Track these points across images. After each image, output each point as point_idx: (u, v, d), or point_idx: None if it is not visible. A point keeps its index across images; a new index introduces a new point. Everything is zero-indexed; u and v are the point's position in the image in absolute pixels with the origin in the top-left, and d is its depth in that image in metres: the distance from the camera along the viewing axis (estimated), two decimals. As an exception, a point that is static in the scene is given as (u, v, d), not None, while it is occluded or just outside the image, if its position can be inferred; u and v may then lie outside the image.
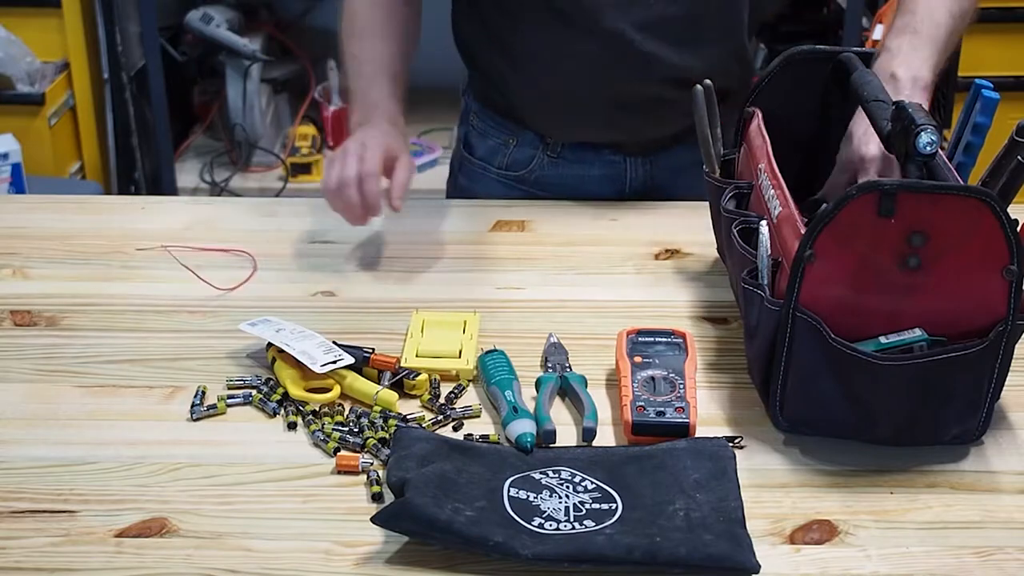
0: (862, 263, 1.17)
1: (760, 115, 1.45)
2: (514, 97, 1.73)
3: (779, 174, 1.33)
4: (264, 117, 3.46)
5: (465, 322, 1.42)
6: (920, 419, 1.21)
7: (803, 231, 1.18)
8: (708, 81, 1.51)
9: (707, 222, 1.57)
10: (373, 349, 1.35)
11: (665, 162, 1.76)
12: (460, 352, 1.37)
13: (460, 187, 1.86)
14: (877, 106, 1.34)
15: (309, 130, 3.52)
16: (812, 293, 1.18)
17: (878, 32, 3.13)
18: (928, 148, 1.23)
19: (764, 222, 1.29)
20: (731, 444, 1.22)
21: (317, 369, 1.28)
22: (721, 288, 1.52)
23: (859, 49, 1.48)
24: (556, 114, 1.72)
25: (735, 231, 1.36)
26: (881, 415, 1.21)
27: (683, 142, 1.72)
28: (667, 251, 1.62)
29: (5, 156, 2.87)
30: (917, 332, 1.18)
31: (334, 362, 1.30)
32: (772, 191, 1.33)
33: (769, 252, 1.27)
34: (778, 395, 1.23)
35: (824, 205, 1.17)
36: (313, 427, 1.25)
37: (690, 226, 1.65)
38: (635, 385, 1.27)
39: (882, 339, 1.19)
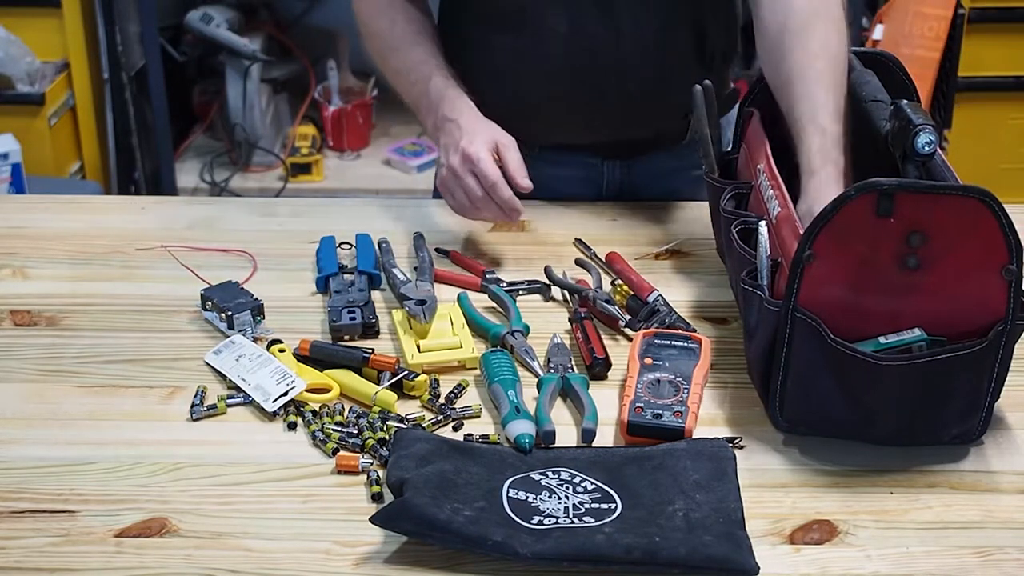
0: (861, 263, 1.17)
1: (759, 115, 1.45)
2: (488, 102, 1.67)
3: (778, 175, 1.33)
4: (264, 117, 3.46)
5: (450, 314, 1.43)
6: (920, 419, 1.21)
7: (802, 231, 1.18)
8: (708, 81, 1.51)
9: (707, 222, 1.57)
10: (372, 349, 1.35)
11: (643, 166, 1.75)
12: (460, 343, 1.38)
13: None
14: (876, 106, 1.34)
15: (309, 130, 3.52)
16: (811, 293, 1.18)
17: (878, 32, 3.13)
18: (926, 148, 1.23)
19: (763, 223, 1.29)
20: (731, 444, 1.22)
21: (268, 407, 1.28)
22: (721, 288, 1.52)
23: (858, 49, 1.48)
24: (531, 119, 1.70)
25: (734, 231, 1.36)
26: (881, 415, 1.21)
27: (661, 147, 1.71)
28: (667, 251, 1.62)
29: (5, 156, 2.87)
30: (916, 332, 1.18)
31: (285, 394, 1.29)
32: (771, 191, 1.33)
33: (768, 252, 1.27)
34: (778, 395, 1.23)
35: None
36: (313, 427, 1.25)
37: (690, 226, 1.65)
38: (639, 386, 1.27)
39: (881, 339, 1.19)
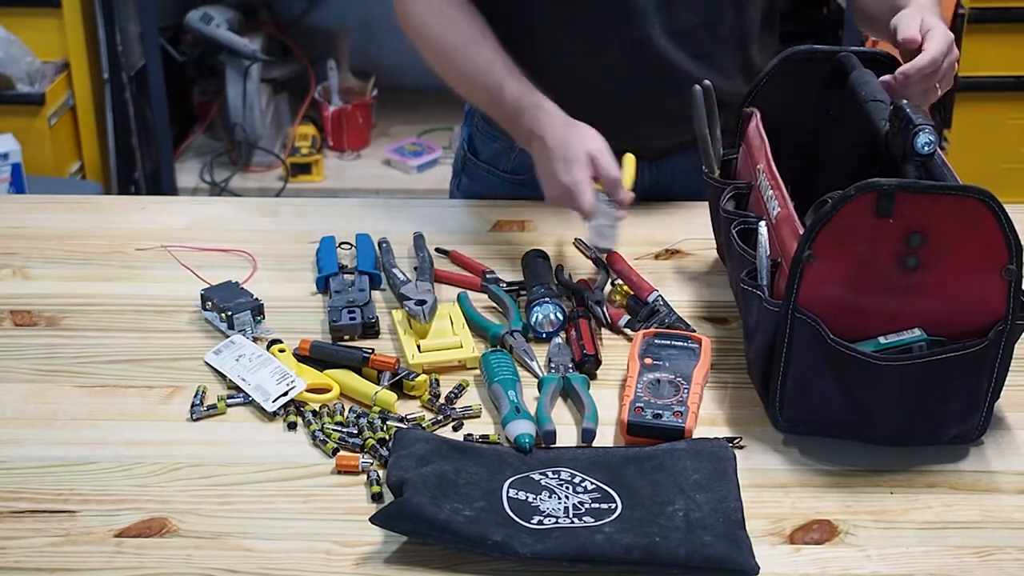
0: (861, 263, 1.17)
1: (759, 115, 1.45)
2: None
3: (778, 175, 1.33)
4: (264, 117, 3.46)
5: (450, 314, 1.43)
6: (920, 419, 1.21)
7: (802, 232, 1.18)
8: (707, 81, 1.51)
9: (707, 222, 1.57)
10: (372, 349, 1.35)
11: (670, 166, 1.75)
12: (461, 343, 1.38)
13: (464, 188, 1.84)
14: (875, 106, 1.34)
15: (309, 130, 3.52)
16: (811, 294, 1.18)
17: (878, 32, 3.12)
18: (926, 148, 1.23)
19: (763, 223, 1.29)
20: (731, 444, 1.22)
21: (268, 407, 1.28)
22: (721, 288, 1.53)
23: (858, 48, 1.48)
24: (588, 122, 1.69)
25: (734, 232, 1.36)
26: (881, 415, 1.21)
27: (689, 147, 1.71)
28: (667, 251, 1.62)
29: (5, 156, 2.87)
30: (916, 332, 1.18)
31: (285, 394, 1.29)
32: (771, 191, 1.33)
33: (768, 253, 1.27)
34: (778, 395, 1.23)
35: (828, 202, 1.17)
36: (313, 427, 1.25)
37: (690, 226, 1.65)
38: (639, 386, 1.27)
39: (881, 339, 1.19)
